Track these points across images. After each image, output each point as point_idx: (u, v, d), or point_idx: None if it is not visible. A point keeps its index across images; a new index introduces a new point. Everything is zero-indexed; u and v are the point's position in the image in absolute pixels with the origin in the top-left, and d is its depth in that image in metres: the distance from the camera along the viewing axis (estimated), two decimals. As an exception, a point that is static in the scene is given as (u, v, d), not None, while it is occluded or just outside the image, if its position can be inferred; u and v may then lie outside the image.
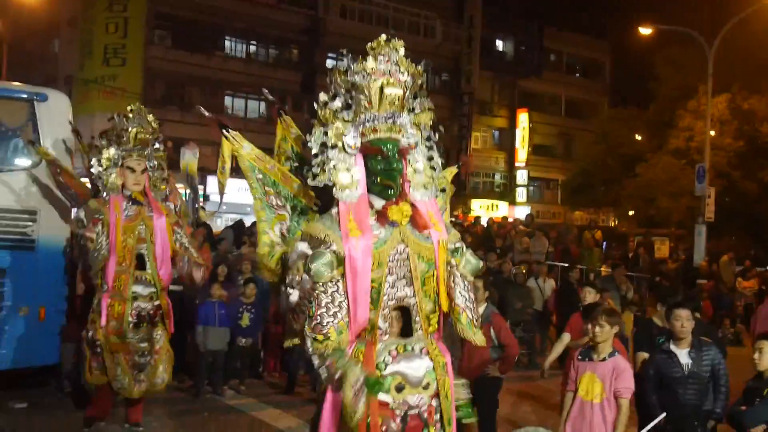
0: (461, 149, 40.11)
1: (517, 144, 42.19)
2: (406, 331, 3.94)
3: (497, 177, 43.56)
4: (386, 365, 3.83)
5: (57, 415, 8.04)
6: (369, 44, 3.96)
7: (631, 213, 34.01)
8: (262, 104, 32.50)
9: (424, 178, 4.05)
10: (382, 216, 3.88)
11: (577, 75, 46.51)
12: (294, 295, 3.81)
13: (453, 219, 28.12)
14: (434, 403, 3.95)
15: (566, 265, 16.22)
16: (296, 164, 4.43)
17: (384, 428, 3.78)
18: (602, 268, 17.92)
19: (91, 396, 7.39)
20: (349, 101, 3.91)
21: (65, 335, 8.26)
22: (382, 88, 3.86)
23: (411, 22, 38.63)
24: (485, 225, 22.54)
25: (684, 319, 6.11)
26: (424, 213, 3.95)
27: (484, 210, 38.32)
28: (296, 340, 3.99)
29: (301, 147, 4.38)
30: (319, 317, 3.64)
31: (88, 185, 7.65)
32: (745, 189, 27.52)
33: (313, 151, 3.96)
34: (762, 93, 27.72)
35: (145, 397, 7.39)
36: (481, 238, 19.68)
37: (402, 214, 3.87)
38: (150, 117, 7.37)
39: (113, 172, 7.23)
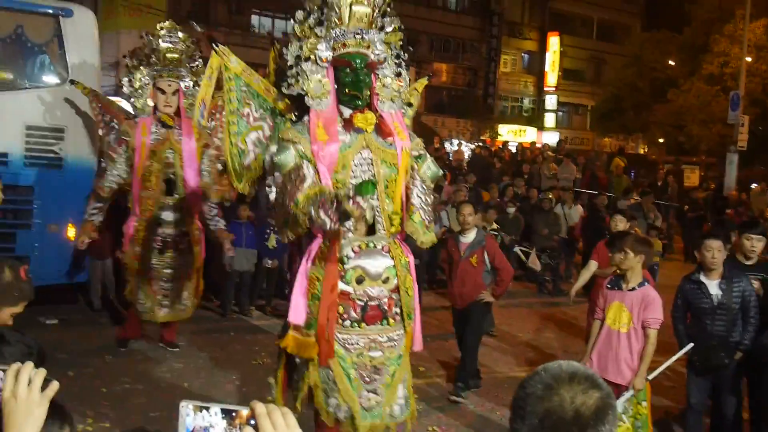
0: (489, 71, 39.56)
1: (547, 68, 41.51)
2: (371, 231, 4.31)
3: (526, 101, 43.02)
4: (349, 259, 4.24)
5: (87, 332, 8.17)
6: None
7: (661, 140, 33.52)
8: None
9: (391, 91, 4.39)
10: (348, 123, 4.26)
11: (611, -4, 45.31)
12: (272, 194, 4.21)
13: (481, 143, 28.00)
14: (394, 296, 4.35)
15: (595, 192, 16.06)
16: (243, 88, 4.67)
17: (345, 315, 4.23)
18: (633, 196, 17.76)
19: (121, 314, 7.48)
20: (322, 18, 4.24)
21: (94, 253, 8.33)
22: (351, 6, 4.19)
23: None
24: (513, 150, 22.35)
25: (715, 250, 6.02)
26: (389, 123, 4.32)
27: (512, 135, 37.97)
28: (290, 234, 4.28)
29: (278, 59, 4.65)
30: (299, 191, 4.00)
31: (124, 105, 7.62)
32: (780, 118, 27.01)
33: (289, 63, 4.30)
34: (802, 18, 26.92)
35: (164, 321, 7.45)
36: (509, 164, 19.54)
37: (367, 121, 4.24)
38: (181, 35, 7.23)
39: (145, 92, 7.15)
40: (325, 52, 4.25)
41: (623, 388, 5.49)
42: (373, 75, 4.33)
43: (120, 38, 28.17)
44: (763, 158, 28.66)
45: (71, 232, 8.00)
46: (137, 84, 7.16)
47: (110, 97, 8.51)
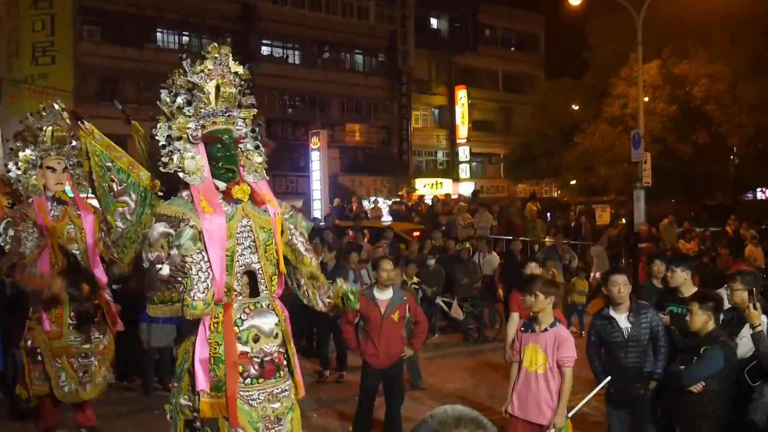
0: (402, 129, 40.22)
1: (458, 121, 42.33)
2: (254, 292, 4.62)
3: (440, 155, 43.73)
4: (243, 321, 4.51)
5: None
6: (204, 50, 4.58)
7: (572, 182, 34.49)
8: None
9: (254, 164, 4.76)
10: (227, 195, 4.56)
11: (513, 49, 46.72)
12: (165, 269, 4.28)
13: (398, 199, 28.32)
14: (282, 350, 4.65)
15: (510, 238, 16.40)
16: (108, 164, 4.99)
17: (246, 373, 4.48)
18: (546, 239, 18.19)
19: (29, 409, 7.21)
20: (190, 98, 4.54)
21: (9, 339, 8.06)
22: (218, 87, 4.55)
23: (344, 4, 38.50)
24: (429, 203, 22.68)
25: (621, 284, 6.27)
26: (258, 192, 4.67)
27: (428, 188, 38.45)
28: (168, 308, 4.43)
29: (147, 141, 4.91)
30: (195, 286, 4.27)
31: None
32: (681, 152, 28.06)
33: (161, 143, 4.53)
34: (691, 58, 28.23)
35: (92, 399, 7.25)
36: (426, 217, 19.81)
37: (244, 192, 4.59)
38: (64, 114, 7.16)
39: (33, 173, 7.04)
40: (195, 130, 4.52)
41: (545, 428, 5.61)
42: (237, 149, 4.66)
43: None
44: (670, 192, 29.75)
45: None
46: (23, 166, 7.05)
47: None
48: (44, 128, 6.96)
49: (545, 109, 34.19)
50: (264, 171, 4.83)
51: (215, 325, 4.45)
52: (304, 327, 12.46)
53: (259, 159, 4.79)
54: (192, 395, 4.50)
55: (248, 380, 4.48)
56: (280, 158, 29.47)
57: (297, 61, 38.25)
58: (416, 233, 16.70)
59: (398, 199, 27.60)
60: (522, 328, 5.92)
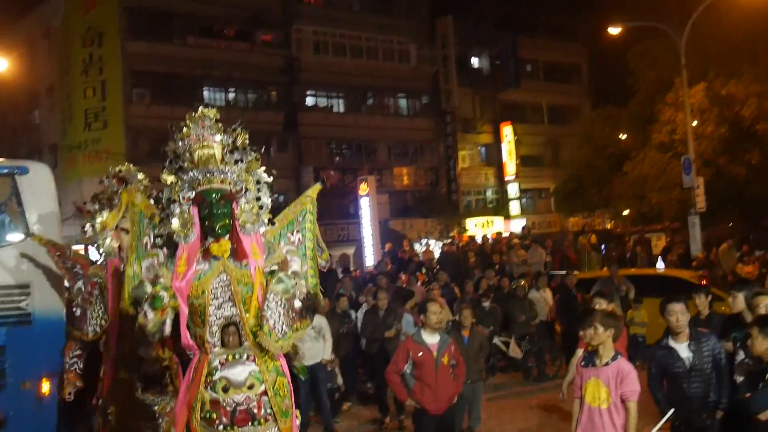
0: (449, 169, 40.29)
1: (505, 157, 42.31)
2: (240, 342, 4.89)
3: (489, 193, 43.63)
4: (216, 371, 4.82)
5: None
6: (187, 115, 4.98)
7: (625, 212, 34.04)
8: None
9: (250, 216, 4.92)
10: (206, 252, 4.86)
11: (556, 81, 46.60)
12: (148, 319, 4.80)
13: (449, 240, 28.25)
14: (263, 399, 4.84)
15: (565, 272, 16.21)
16: (145, 220, 5.52)
17: (217, 421, 4.77)
18: (603, 271, 17.95)
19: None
20: (180, 164, 4.92)
21: (83, 407, 8.15)
22: (196, 151, 4.87)
23: (385, 49, 38.93)
24: (480, 243, 22.58)
25: (678, 313, 6.16)
26: (247, 245, 4.87)
27: (479, 228, 38.29)
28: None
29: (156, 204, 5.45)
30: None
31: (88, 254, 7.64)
32: (734, 174, 27.54)
33: (161, 206, 5.01)
34: (737, 77, 27.78)
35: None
36: (478, 256, 19.72)
37: (221, 249, 4.83)
38: (140, 175, 7.34)
39: (108, 235, 7.19)
40: (186, 192, 4.86)
41: (613, 464, 5.50)
42: (234, 204, 4.88)
43: (82, 186, 28.48)
44: (726, 215, 29.14)
45: (45, 387, 7.90)
46: (99, 228, 7.21)
47: (74, 246, 8.55)
48: (119, 191, 7.14)
49: (592, 140, 33.92)
50: (261, 223, 4.98)
51: (194, 372, 4.92)
52: (360, 373, 12.47)
53: (256, 212, 4.95)
54: None
55: (221, 427, 4.78)
56: (329, 206, 29.66)
57: (341, 109, 38.73)
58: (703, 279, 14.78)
59: (449, 241, 27.54)
60: (582, 363, 5.84)
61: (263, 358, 4.88)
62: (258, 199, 4.98)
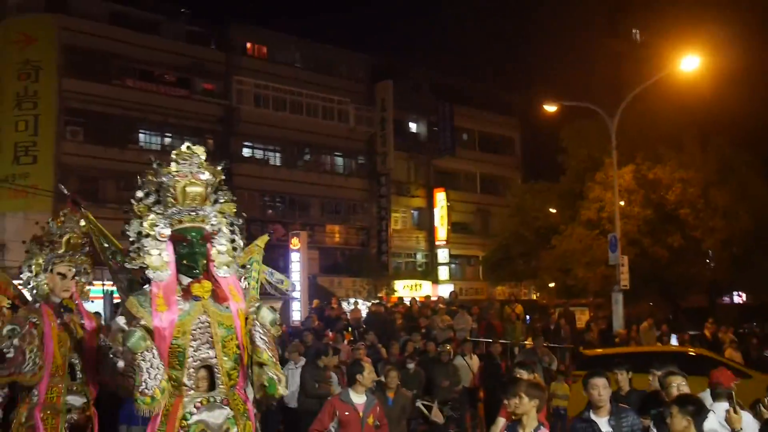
0: (381, 230, 40.50)
1: (436, 223, 42.76)
2: (212, 385, 4.76)
3: (419, 256, 43.92)
4: (191, 415, 4.64)
5: None
6: (174, 151, 4.84)
7: (550, 285, 34.62)
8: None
9: (226, 257, 4.88)
10: (186, 292, 4.71)
11: (490, 151, 47.56)
12: (120, 363, 4.58)
13: (377, 300, 28.25)
14: None
15: (490, 340, 16.36)
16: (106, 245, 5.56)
17: None
18: (526, 341, 18.15)
19: None
20: (159, 197, 4.79)
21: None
22: (185, 188, 4.76)
23: (324, 107, 39.27)
24: (408, 305, 22.64)
25: (600, 387, 6.27)
26: (225, 287, 4.80)
27: (407, 290, 38.46)
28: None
29: (102, 233, 5.42)
30: (144, 383, 4.42)
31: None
32: (657, 255, 28.35)
33: (131, 239, 4.78)
34: (664, 162, 28.86)
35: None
36: (405, 319, 19.74)
37: (203, 289, 4.72)
38: (82, 222, 7.22)
39: (43, 278, 7.02)
40: (163, 228, 4.74)
41: None
42: (209, 244, 4.81)
43: (5, 221, 27.73)
44: (648, 294, 29.90)
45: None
46: (35, 269, 7.05)
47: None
48: (62, 235, 6.99)
49: (522, 211, 34.59)
50: (236, 266, 4.97)
51: (165, 417, 4.62)
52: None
53: (233, 254, 4.91)
54: None
55: None
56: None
57: (277, 163, 38.82)
58: None
59: (377, 301, 27.54)
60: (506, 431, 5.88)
61: (234, 402, 4.79)
62: (232, 241, 4.93)
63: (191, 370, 4.68)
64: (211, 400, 4.71)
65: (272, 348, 4.89)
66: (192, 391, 4.69)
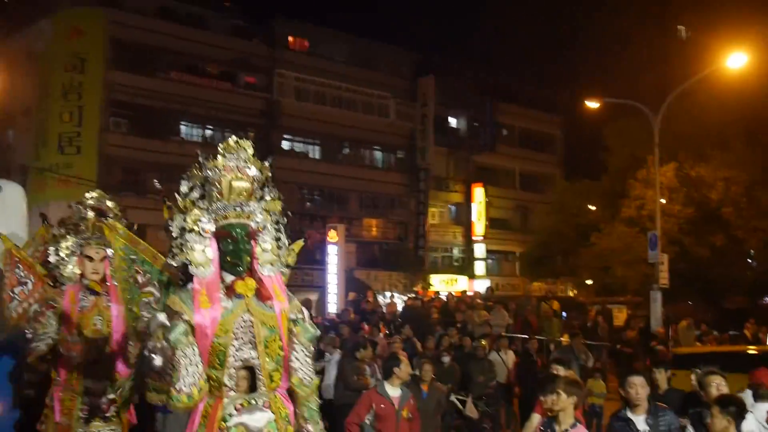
0: (418, 224, 40.49)
1: (474, 218, 42.62)
2: (253, 387, 4.56)
3: (455, 251, 43.85)
4: (231, 417, 4.46)
5: None
6: (220, 144, 4.65)
7: (588, 282, 34.36)
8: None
9: (270, 256, 4.68)
10: (230, 290, 4.53)
11: (530, 148, 47.27)
12: (158, 360, 4.37)
13: (413, 294, 28.28)
14: None
15: (526, 336, 16.29)
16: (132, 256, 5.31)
17: None
18: (562, 338, 18.05)
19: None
20: (204, 192, 4.60)
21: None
22: (231, 182, 4.56)
23: (365, 102, 39.36)
24: (444, 300, 22.62)
25: (638, 386, 6.23)
26: (269, 286, 4.61)
27: (443, 285, 38.40)
28: (163, 397, 4.67)
29: (163, 231, 4.95)
30: (182, 379, 4.33)
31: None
32: (698, 254, 28.00)
33: (174, 235, 4.60)
34: (707, 161, 28.47)
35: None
36: (441, 313, 19.73)
37: (247, 287, 4.53)
38: (110, 203, 7.30)
39: (72, 261, 7.11)
40: (207, 224, 4.55)
41: None
42: (253, 242, 4.62)
43: (49, 209, 28.15)
44: (687, 294, 29.55)
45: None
46: (63, 253, 7.14)
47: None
48: (87, 217, 7.07)
49: (562, 209, 34.39)
50: (281, 265, 4.77)
51: (204, 419, 4.47)
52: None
53: (277, 252, 4.72)
54: None
55: None
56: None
57: (317, 156, 38.94)
58: None
59: (413, 295, 27.57)
60: (541, 428, 5.86)
61: (276, 406, 4.61)
62: (278, 239, 4.76)
63: (232, 370, 4.52)
64: (252, 402, 4.53)
65: (307, 368, 4.75)
66: (232, 392, 4.53)
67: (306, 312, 4.87)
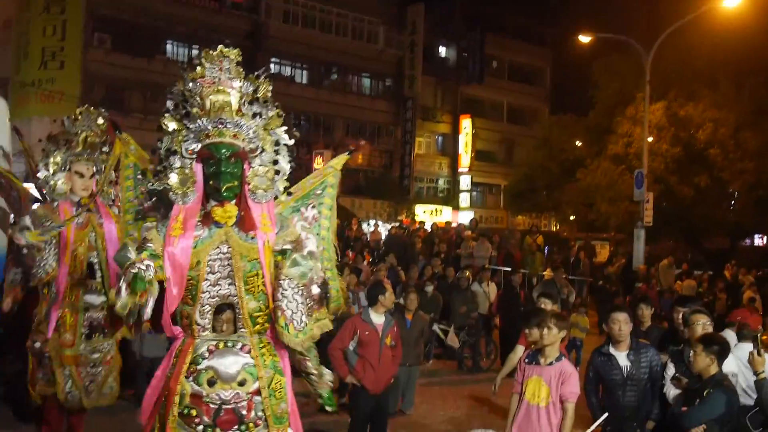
0: (404, 154, 40.34)
1: (460, 149, 42.52)
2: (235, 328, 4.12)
3: (441, 182, 43.84)
4: (203, 359, 4.02)
5: None
6: (203, 52, 4.22)
7: (572, 218, 34.50)
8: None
9: (264, 181, 4.17)
10: (207, 217, 4.08)
11: (519, 81, 46.88)
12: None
13: (398, 223, 28.32)
14: (255, 399, 4.05)
15: (509, 269, 16.39)
16: (139, 176, 4.67)
17: (198, 419, 3.96)
18: (545, 273, 18.17)
19: (35, 411, 7.15)
20: (187, 109, 4.12)
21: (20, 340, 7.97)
22: (211, 96, 4.08)
23: (354, 27, 38.72)
24: (429, 230, 22.68)
25: (621, 323, 6.27)
26: (256, 215, 4.10)
27: (428, 215, 38.50)
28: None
29: (150, 154, 4.55)
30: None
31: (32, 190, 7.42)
32: (682, 194, 28.08)
33: (160, 158, 4.19)
34: (697, 100, 28.34)
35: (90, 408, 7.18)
36: (425, 243, 19.80)
37: (226, 215, 4.07)
38: (100, 120, 7.17)
39: (61, 177, 7.01)
40: (192, 144, 4.10)
41: (543, 462, 5.57)
42: (246, 164, 4.15)
43: (31, 125, 27.75)
44: (670, 233, 29.77)
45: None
46: (52, 168, 7.03)
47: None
48: (78, 133, 6.94)
49: (548, 144, 34.28)
50: (273, 189, 4.22)
51: (176, 359, 4.10)
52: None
53: (271, 177, 4.20)
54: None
55: (200, 428, 3.98)
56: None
57: (304, 81, 38.44)
58: None
59: (398, 224, 27.61)
60: (526, 360, 5.90)
61: (260, 351, 4.10)
62: (275, 162, 4.21)
63: (206, 307, 4.04)
64: (229, 344, 4.06)
65: (298, 309, 4.03)
66: (206, 332, 4.06)
67: (312, 241, 4.36)
